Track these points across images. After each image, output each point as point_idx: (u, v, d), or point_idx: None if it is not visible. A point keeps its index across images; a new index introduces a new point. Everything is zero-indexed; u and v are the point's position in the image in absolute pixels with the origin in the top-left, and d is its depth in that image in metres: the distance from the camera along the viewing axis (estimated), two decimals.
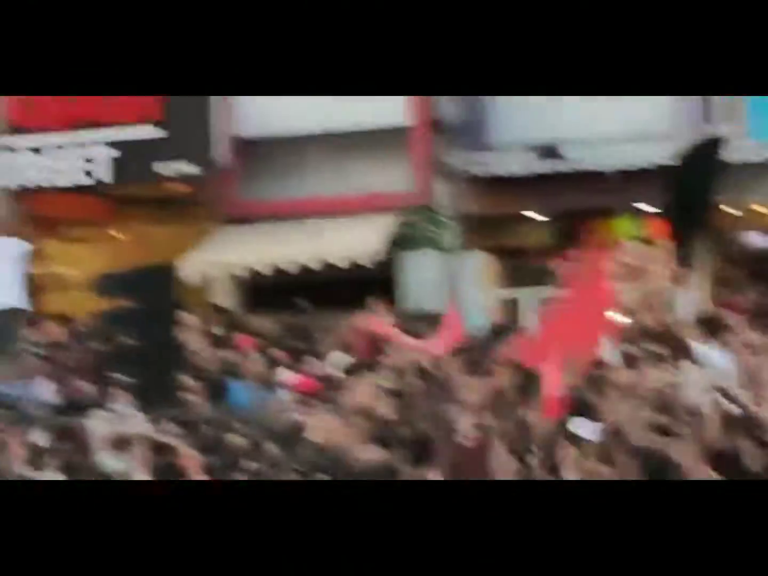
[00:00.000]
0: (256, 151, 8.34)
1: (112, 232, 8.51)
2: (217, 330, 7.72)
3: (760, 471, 3.00)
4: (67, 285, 8.52)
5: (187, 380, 6.16)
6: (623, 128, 7.73)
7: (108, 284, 6.47)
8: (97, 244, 8.72)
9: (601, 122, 7.65)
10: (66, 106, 7.78)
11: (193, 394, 6.10)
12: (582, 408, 3.97)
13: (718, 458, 3.16)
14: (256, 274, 7.88)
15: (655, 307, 7.20)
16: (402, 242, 7.75)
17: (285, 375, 6.50)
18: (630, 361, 5.36)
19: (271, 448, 4.72)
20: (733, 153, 8.02)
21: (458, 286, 7.46)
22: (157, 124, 7.98)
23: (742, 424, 3.91)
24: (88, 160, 8.15)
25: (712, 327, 5.84)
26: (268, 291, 7.81)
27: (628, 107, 7.55)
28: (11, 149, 8.14)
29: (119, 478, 4.46)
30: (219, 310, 7.90)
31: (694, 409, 4.17)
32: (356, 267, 7.42)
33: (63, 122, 8.03)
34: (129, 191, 8.55)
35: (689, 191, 8.14)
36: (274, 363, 6.57)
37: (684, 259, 8.14)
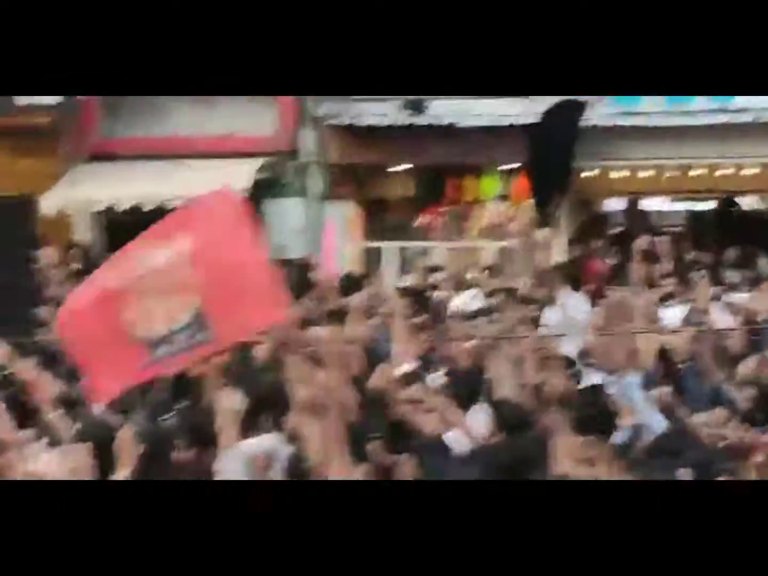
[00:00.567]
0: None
1: None
2: (75, 266, 7.73)
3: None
4: None
5: (43, 314, 6.18)
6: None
7: None
8: None
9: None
10: None
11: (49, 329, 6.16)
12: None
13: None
14: (115, 212, 7.85)
15: (515, 264, 7.48)
16: (266, 188, 7.78)
17: None
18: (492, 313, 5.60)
19: None
20: (595, 116, 8.36)
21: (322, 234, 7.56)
22: None
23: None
24: None
25: (571, 277, 6.12)
26: (128, 228, 7.76)
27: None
28: None
29: None
30: (77, 246, 7.85)
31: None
32: None
33: None
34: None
35: (550, 151, 8.43)
36: None
37: (543, 218, 8.47)
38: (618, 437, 3.04)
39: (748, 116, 7.79)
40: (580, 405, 3.16)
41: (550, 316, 5.23)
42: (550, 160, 7.93)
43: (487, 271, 7.96)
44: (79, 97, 7.91)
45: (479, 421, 3.25)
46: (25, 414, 3.34)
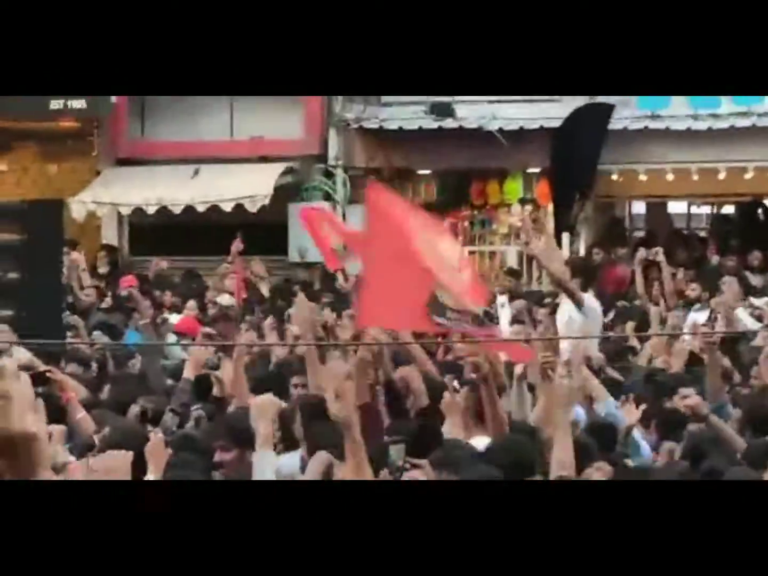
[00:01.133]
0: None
1: (2, 166, 8.50)
2: (103, 268, 7.91)
3: None
4: None
5: (72, 318, 6.33)
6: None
7: None
8: None
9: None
10: None
11: (76, 331, 6.31)
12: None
13: None
14: (144, 215, 8.03)
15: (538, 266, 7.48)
16: (292, 191, 7.89)
17: (172, 317, 6.76)
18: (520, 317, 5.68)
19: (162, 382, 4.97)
20: (621, 120, 8.37)
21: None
22: None
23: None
24: None
25: (587, 276, 6.17)
26: (156, 231, 7.96)
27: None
28: None
29: None
30: (106, 248, 8.07)
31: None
32: (242, 212, 7.56)
33: None
34: (20, 125, 8.61)
35: (574, 155, 8.45)
36: (160, 304, 6.79)
37: (565, 221, 8.49)
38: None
39: None
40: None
41: (562, 318, 5.28)
42: (574, 164, 7.98)
43: (510, 276, 8.12)
44: (109, 101, 8.18)
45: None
46: (54, 413, 3.33)
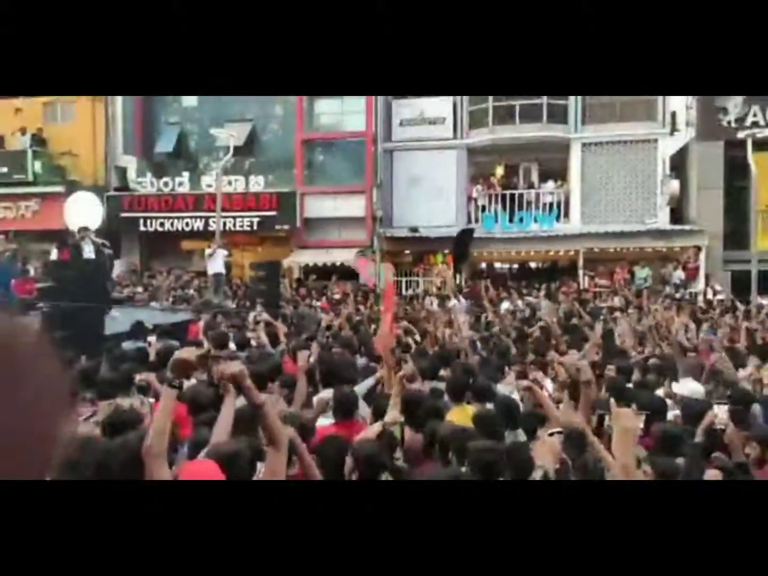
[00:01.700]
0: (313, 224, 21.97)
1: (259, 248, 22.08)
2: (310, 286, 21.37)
3: None
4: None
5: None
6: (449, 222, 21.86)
7: (256, 266, 18.92)
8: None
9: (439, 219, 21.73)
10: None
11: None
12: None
13: None
14: (307, 266, 21.56)
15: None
16: (360, 252, 21.74)
17: None
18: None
19: None
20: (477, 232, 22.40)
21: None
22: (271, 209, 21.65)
23: None
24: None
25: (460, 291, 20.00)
26: (318, 274, 21.37)
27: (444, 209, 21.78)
28: None
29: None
30: (299, 281, 21.31)
31: None
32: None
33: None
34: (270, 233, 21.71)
35: (460, 247, 22.30)
36: None
37: (458, 272, 22.37)
38: None
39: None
40: None
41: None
42: (461, 249, 21.85)
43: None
44: (298, 226, 22.01)
45: None
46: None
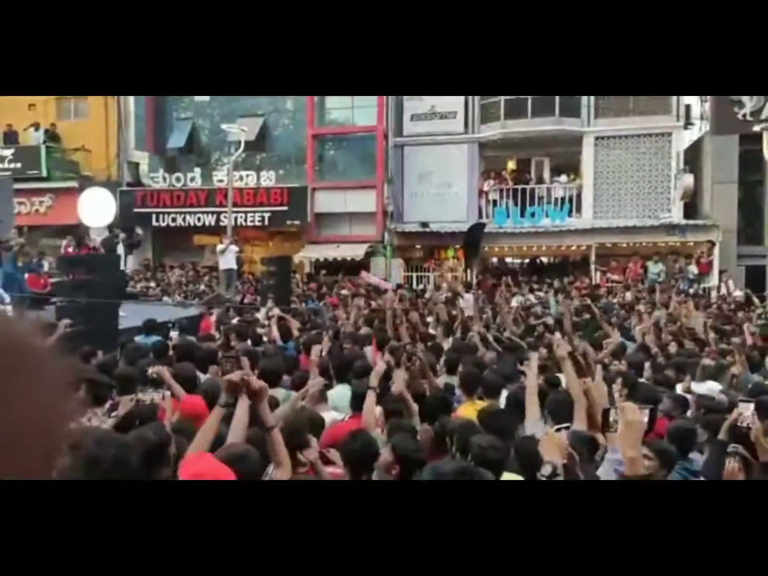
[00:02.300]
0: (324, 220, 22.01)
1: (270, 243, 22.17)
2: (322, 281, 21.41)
3: None
4: None
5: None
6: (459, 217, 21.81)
7: (267, 261, 19.87)
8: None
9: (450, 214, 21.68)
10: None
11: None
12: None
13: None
14: (317, 261, 21.60)
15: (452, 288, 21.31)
16: (370, 253, 21.70)
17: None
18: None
19: None
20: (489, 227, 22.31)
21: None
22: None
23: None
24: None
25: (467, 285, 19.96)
26: (329, 269, 21.43)
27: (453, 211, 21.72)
28: None
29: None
30: (309, 276, 21.41)
31: None
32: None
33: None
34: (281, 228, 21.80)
35: (471, 242, 22.22)
36: None
37: (469, 267, 22.30)
38: None
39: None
40: None
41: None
42: (472, 245, 21.77)
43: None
44: (309, 222, 22.02)
45: None
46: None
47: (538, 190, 21.12)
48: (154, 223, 21.90)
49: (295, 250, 20.34)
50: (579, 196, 20.87)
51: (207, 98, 23.32)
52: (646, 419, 2.57)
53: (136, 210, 21.67)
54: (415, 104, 21.78)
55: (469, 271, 20.46)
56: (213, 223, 21.11)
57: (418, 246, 21.34)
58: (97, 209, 16.52)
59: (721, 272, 19.19)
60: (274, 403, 3.93)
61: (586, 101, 20.60)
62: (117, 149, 23.01)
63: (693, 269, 19.54)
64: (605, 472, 3.20)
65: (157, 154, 23.17)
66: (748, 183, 20.07)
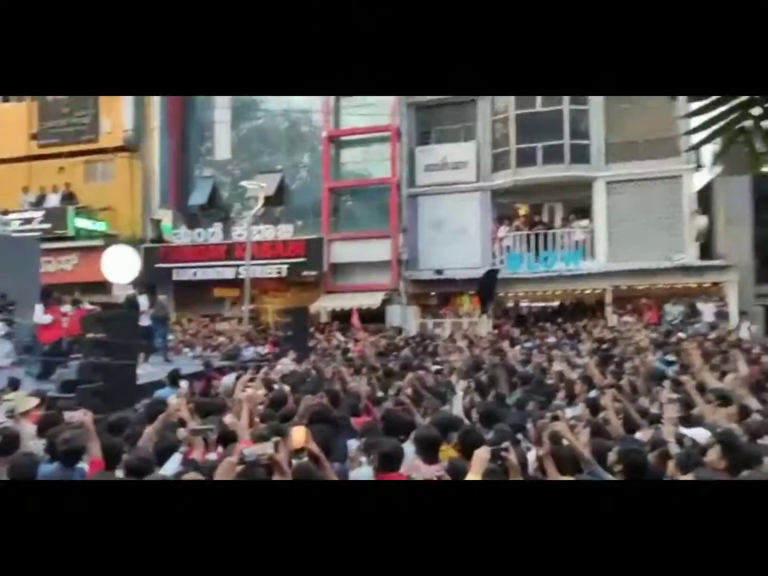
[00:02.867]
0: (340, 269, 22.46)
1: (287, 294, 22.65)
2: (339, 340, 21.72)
3: None
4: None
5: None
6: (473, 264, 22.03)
7: (284, 313, 20.30)
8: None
9: (464, 260, 21.93)
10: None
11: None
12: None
13: None
14: (333, 312, 21.90)
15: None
16: (385, 302, 21.97)
17: None
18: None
19: None
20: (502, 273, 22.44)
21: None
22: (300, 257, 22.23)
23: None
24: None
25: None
26: (343, 316, 21.76)
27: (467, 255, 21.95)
28: None
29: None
30: (326, 324, 21.76)
31: None
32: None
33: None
34: (298, 279, 22.25)
35: (486, 288, 22.36)
36: None
37: (485, 311, 22.38)
38: None
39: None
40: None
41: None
42: (487, 290, 21.92)
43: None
44: (323, 274, 22.52)
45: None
46: None
47: (558, 235, 21.25)
48: (175, 278, 22.52)
49: (313, 299, 20.64)
50: (592, 239, 20.98)
51: (228, 156, 24.22)
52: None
53: (157, 266, 22.33)
54: (427, 156, 22.35)
55: (486, 316, 20.47)
56: (232, 276, 21.65)
57: (432, 293, 21.51)
58: (120, 266, 17.14)
59: (741, 314, 18.96)
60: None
61: (596, 149, 20.91)
62: (141, 207, 23.90)
63: (711, 310, 19.36)
64: None
65: (180, 210, 23.98)
66: (763, 221, 20.01)
